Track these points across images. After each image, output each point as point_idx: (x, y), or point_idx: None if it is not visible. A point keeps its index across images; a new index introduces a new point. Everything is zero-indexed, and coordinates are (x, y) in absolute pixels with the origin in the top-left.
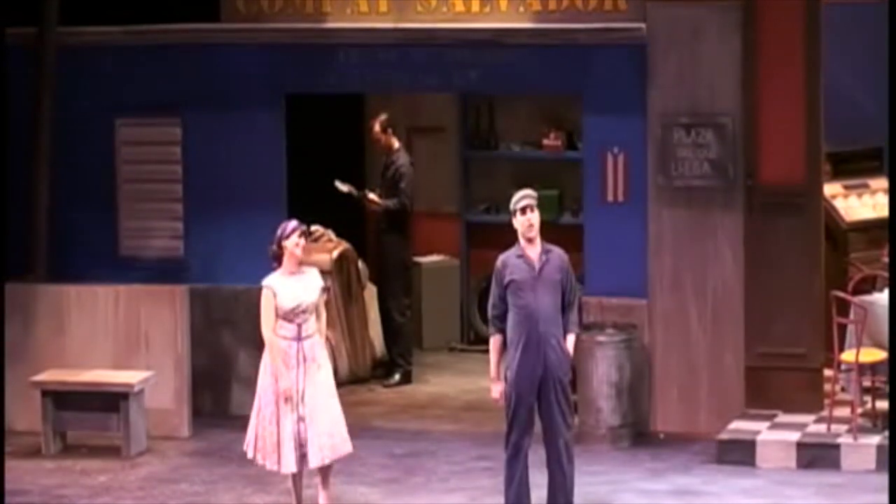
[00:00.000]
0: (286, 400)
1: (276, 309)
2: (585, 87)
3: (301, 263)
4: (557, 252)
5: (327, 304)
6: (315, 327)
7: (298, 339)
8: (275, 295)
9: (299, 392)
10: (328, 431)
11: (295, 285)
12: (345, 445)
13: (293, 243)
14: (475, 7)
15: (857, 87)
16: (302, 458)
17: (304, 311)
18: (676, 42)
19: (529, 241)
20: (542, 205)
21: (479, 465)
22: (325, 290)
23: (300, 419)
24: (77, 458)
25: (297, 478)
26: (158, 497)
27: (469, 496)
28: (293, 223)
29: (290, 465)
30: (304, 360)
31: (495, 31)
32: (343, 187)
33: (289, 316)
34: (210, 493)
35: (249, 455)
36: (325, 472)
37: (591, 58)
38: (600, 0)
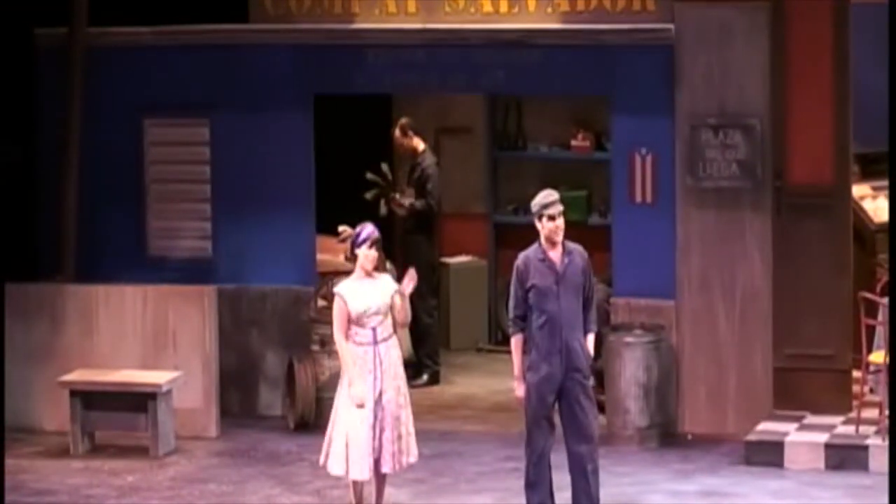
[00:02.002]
0: (359, 406)
1: (348, 315)
2: (613, 87)
3: (375, 270)
4: (578, 252)
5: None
6: (391, 330)
7: (374, 342)
8: (345, 301)
9: (375, 397)
10: (399, 440)
11: (365, 289)
12: (411, 457)
13: (363, 255)
14: (503, 8)
15: (887, 87)
16: (375, 463)
17: (375, 314)
18: (704, 43)
19: (553, 244)
20: (570, 205)
21: (506, 466)
22: (400, 294)
23: (377, 425)
24: (105, 458)
25: (357, 484)
26: (186, 497)
27: (497, 497)
28: (367, 230)
29: (358, 472)
30: (381, 363)
31: (523, 31)
32: (374, 177)
33: (361, 321)
34: (238, 493)
35: (321, 462)
36: (381, 479)
37: (620, 58)
38: (628, 1)
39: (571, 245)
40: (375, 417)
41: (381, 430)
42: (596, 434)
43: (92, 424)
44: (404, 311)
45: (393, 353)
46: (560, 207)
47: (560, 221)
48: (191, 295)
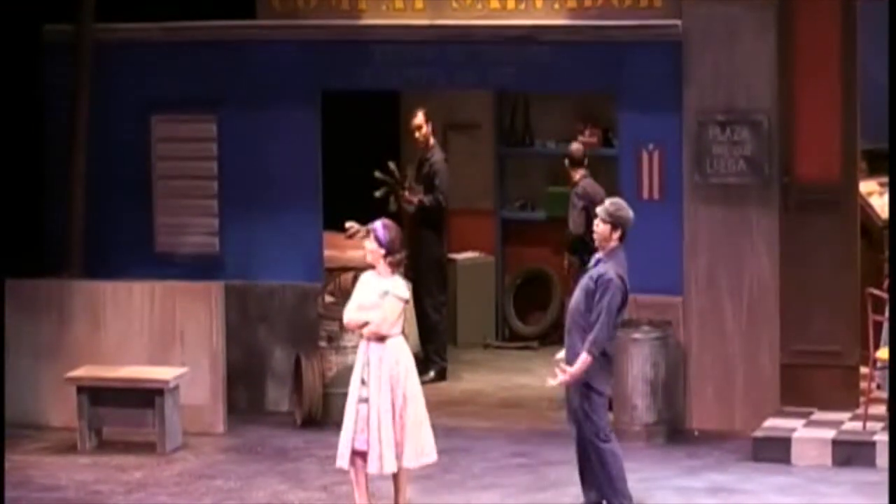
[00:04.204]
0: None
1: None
2: (621, 84)
3: (389, 268)
4: (602, 268)
5: None
6: (390, 333)
7: (367, 340)
8: (358, 286)
9: (362, 396)
10: (388, 441)
11: (374, 286)
12: (399, 460)
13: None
14: (510, 4)
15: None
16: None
17: (366, 310)
18: (712, 39)
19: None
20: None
21: (514, 462)
22: (402, 300)
23: (359, 423)
24: (112, 454)
25: (359, 478)
26: (193, 493)
27: (504, 493)
28: (372, 225)
29: (340, 460)
30: (369, 363)
31: (531, 28)
32: (382, 176)
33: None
34: (245, 489)
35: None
36: (395, 480)
37: (627, 55)
38: None
39: (608, 260)
40: (358, 414)
41: (362, 431)
42: (588, 433)
43: (99, 420)
44: (376, 318)
45: (388, 356)
46: (602, 213)
47: (600, 225)
48: (198, 291)
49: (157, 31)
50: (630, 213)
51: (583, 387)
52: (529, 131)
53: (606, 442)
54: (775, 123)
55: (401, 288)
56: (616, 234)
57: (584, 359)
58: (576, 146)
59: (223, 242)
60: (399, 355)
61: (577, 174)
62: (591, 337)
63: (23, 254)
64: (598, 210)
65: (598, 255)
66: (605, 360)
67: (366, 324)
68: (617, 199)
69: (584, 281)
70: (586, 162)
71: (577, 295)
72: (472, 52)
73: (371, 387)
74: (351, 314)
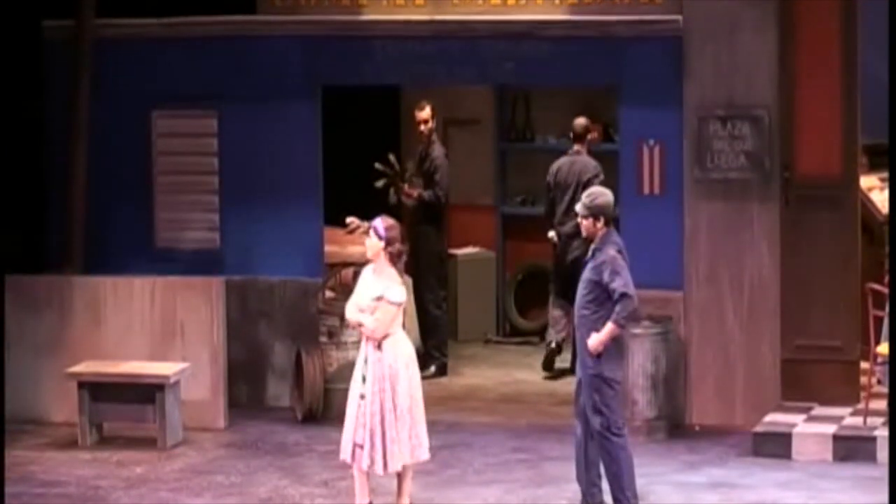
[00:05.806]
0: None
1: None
2: (621, 79)
3: (388, 264)
4: (604, 256)
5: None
6: (391, 331)
7: (366, 338)
8: (357, 282)
9: (362, 391)
10: (379, 441)
11: (370, 283)
12: (381, 467)
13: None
14: None
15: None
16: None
17: (363, 311)
18: (713, 34)
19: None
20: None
21: (514, 458)
22: (395, 304)
23: (360, 418)
24: (113, 449)
25: (361, 473)
26: (194, 488)
27: (505, 488)
28: (372, 222)
29: (343, 453)
30: (367, 360)
31: (531, 23)
32: (382, 167)
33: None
34: (246, 484)
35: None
36: (398, 475)
37: (628, 50)
38: None
39: (608, 245)
40: (359, 409)
41: (364, 426)
42: (597, 426)
43: (100, 416)
44: (369, 325)
45: (385, 356)
46: (582, 211)
47: (582, 221)
48: (199, 286)
49: (157, 27)
50: (607, 198)
51: (594, 378)
52: (530, 127)
53: (618, 436)
54: (776, 118)
55: (395, 292)
56: (600, 223)
57: (610, 328)
58: (578, 120)
59: (223, 238)
60: (398, 353)
61: (574, 148)
62: (617, 308)
63: (23, 249)
64: (577, 207)
65: (593, 247)
66: (616, 345)
67: (362, 324)
68: (593, 189)
69: (585, 275)
70: (588, 137)
71: (580, 290)
72: (472, 47)
73: (368, 385)
74: (350, 312)
